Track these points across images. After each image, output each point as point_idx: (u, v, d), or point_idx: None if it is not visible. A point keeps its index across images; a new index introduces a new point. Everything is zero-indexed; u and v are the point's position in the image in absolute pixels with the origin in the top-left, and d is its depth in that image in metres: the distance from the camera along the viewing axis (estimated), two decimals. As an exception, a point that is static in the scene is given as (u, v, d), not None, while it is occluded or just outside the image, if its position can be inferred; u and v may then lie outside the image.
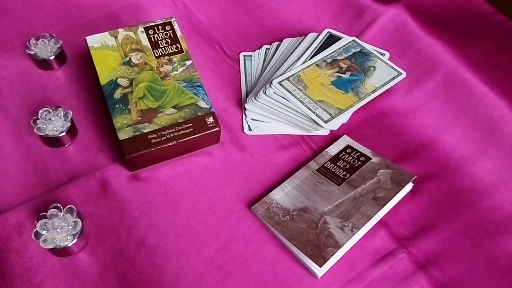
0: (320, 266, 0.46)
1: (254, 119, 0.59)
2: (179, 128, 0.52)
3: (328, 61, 0.62)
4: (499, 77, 0.61)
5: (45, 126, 0.53)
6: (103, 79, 0.54)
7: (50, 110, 0.54)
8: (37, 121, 0.53)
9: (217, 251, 0.49)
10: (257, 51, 0.67)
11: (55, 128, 0.53)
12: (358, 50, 0.64)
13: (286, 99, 0.57)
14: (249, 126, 0.59)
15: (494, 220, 0.52)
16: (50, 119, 0.53)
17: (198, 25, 0.69)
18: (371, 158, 0.55)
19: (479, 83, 0.60)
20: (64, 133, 0.53)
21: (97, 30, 0.58)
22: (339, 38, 0.65)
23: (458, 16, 0.71)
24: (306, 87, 0.59)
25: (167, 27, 0.59)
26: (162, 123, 0.52)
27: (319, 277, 0.47)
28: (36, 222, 0.46)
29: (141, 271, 0.47)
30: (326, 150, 0.57)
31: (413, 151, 0.58)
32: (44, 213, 0.47)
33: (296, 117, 0.57)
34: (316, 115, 0.56)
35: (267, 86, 0.58)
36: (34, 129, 0.53)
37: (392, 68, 0.62)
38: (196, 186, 0.53)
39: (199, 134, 0.52)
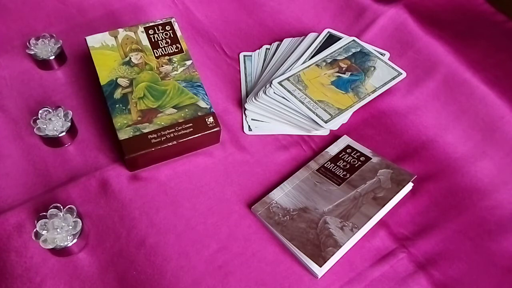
0: (320, 266, 0.46)
1: (254, 119, 0.59)
2: (179, 128, 0.52)
3: (328, 61, 0.62)
4: (499, 77, 0.61)
5: (45, 126, 0.53)
6: (103, 79, 0.54)
7: (50, 110, 0.54)
8: (37, 121, 0.53)
9: (217, 251, 0.49)
10: (257, 51, 0.67)
11: (55, 128, 0.53)
12: (358, 50, 0.64)
13: (286, 99, 0.57)
14: (249, 126, 0.59)
15: (494, 220, 0.52)
16: (50, 119, 0.53)
17: (198, 25, 0.69)
18: (371, 158, 0.55)
19: (479, 83, 0.60)
20: (64, 133, 0.53)
21: (97, 30, 0.58)
22: (339, 38, 0.65)
23: (458, 16, 0.71)
24: (306, 87, 0.59)
25: (167, 27, 0.59)
26: (162, 123, 0.52)
27: (319, 277, 0.47)
28: (36, 222, 0.46)
29: (141, 271, 0.47)
30: (326, 150, 0.57)
31: (413, 151, 0.58)
32: (44, 213, 0.47)
33: (296, 117, 0.57)
34: (316, 115, 0.56)
35: (267, 86, 0.58)
36: (34, 129, 0.53)
37: (392, 68, 0.62)
38: (196, 186, 0.53)
39: (199, 134, 0.52)
